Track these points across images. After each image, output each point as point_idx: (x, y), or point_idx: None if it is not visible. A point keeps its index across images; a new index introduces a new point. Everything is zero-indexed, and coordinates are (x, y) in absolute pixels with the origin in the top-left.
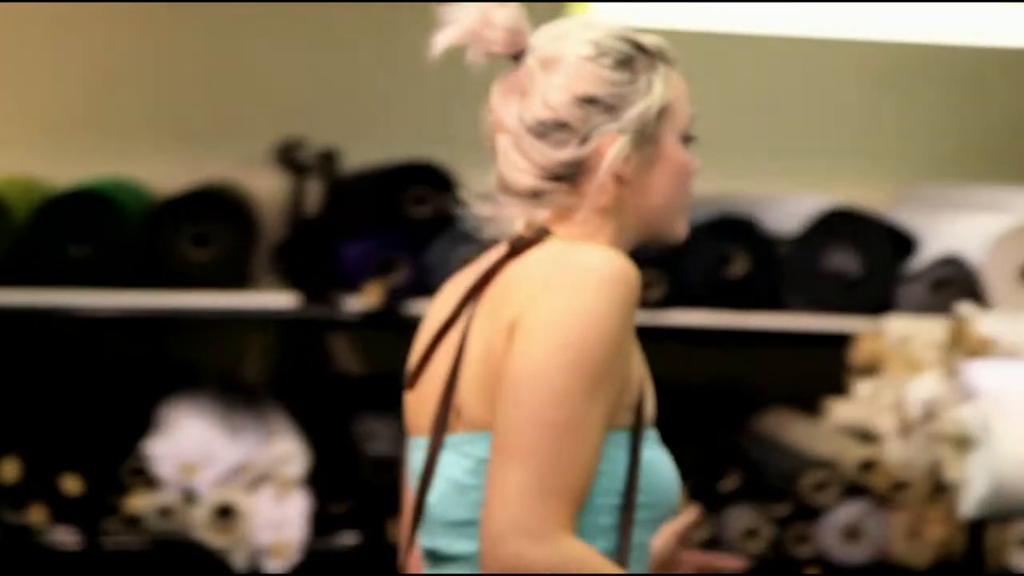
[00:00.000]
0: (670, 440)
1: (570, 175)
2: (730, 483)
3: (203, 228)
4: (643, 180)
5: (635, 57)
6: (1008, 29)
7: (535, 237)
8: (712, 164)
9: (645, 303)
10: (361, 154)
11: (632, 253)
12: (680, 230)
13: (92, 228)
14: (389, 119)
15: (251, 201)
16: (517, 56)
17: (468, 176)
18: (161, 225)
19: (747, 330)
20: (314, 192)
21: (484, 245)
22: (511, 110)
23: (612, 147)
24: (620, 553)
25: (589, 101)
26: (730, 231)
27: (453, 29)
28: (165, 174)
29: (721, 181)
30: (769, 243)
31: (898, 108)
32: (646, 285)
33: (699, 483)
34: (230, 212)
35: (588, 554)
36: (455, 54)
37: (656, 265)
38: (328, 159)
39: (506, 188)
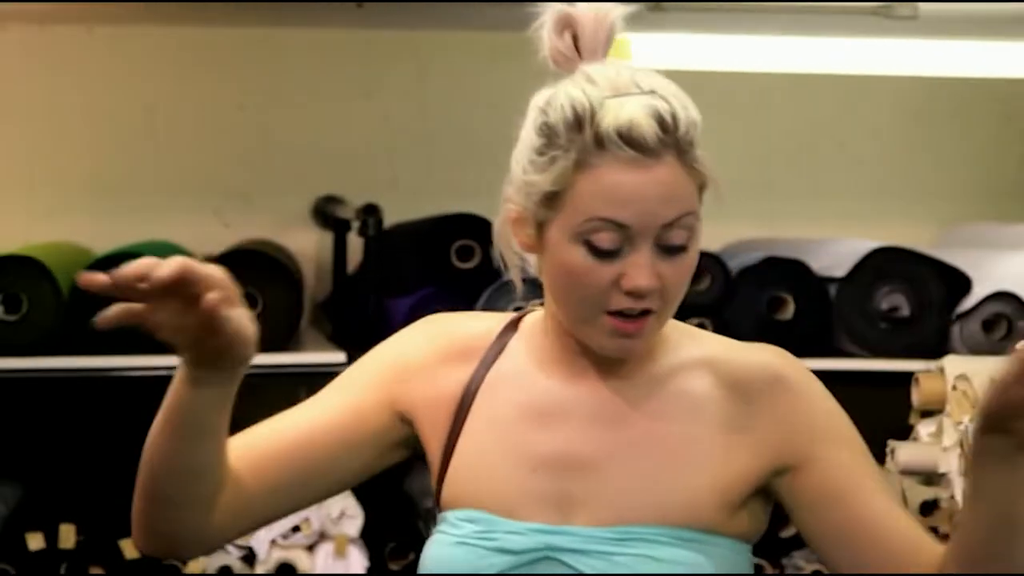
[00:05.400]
0: None
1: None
2: (792, 529)
3: (249, 288)
4: (545, 264)
5: (560, 131)
6: None
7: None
8: (753, 208)
9: None
10: (400, 210)
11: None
12: (596, 342)
13: None
14: (427, 173)
15: (294, 259)
16: None
17: None
18: None
19: None
20: (356, 248)
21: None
22: None
23: (502, 209)
24: None
25: (517, 152)
26: (777, 273)
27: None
28: (202, 236)
29: (760, 224)
30: (818, 285)
31: (937, 147)
32: None
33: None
34: (275, 271)
35: None
36: (499, 102)
37: (704, 311)
38: (369, 214)
39: None
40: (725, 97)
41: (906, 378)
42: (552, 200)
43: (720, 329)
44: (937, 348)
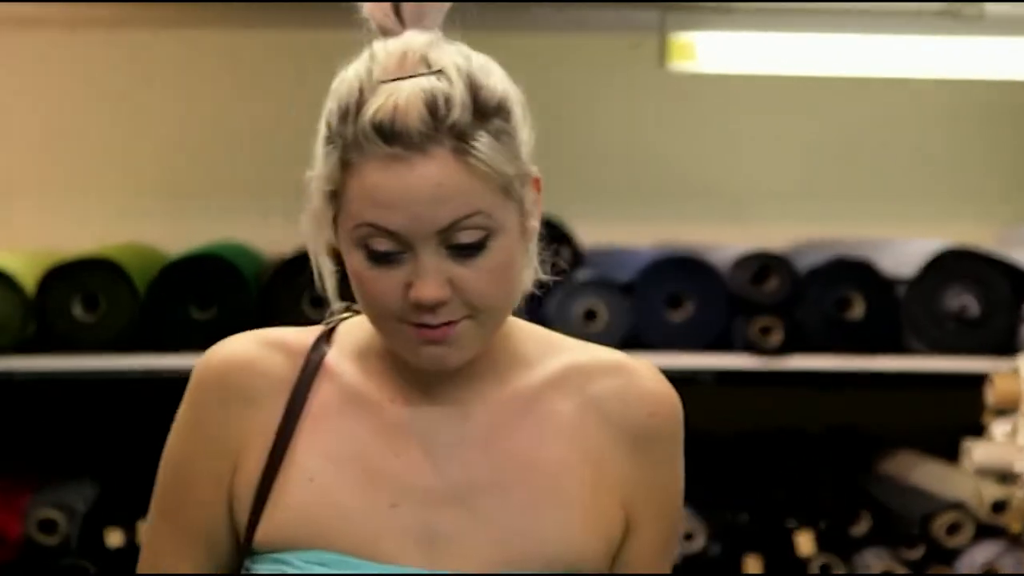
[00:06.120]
0: (798, 486)
1: None
2: (862, 527)
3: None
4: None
5: (331, 121)
6: None
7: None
8: (817, 209)
9: (764, 349)
10: None
11: (748, 297)
12: (408, 356)
13: (215, 292)
14: None
15: None
16: None
17: (577, 230)
18: (279, 286)
19: (868, 373)
20: None
21: (603, 298)
22: None
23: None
24: None
25: None
26: (846, 274)
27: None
28: (273, 237)
29: (823, 225)
30: (887, 285)
31: (1000, 147)
32: (766, 330)
33: (831, 528)
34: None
35: None
36: (553, 110)
37: (773, 311)
38: None
39: None
40: (790, 97)
41: (976, 378)
42: (334, 199)
43: (790, 329)
44: (1006, 348)
